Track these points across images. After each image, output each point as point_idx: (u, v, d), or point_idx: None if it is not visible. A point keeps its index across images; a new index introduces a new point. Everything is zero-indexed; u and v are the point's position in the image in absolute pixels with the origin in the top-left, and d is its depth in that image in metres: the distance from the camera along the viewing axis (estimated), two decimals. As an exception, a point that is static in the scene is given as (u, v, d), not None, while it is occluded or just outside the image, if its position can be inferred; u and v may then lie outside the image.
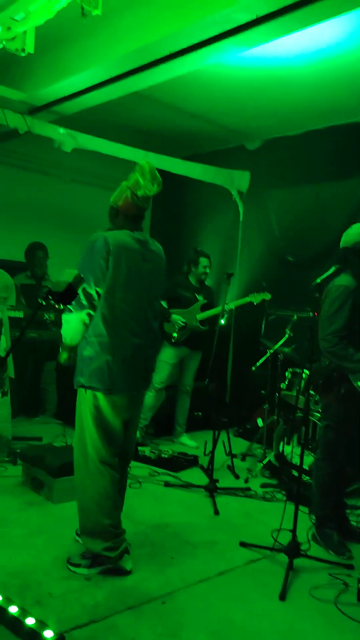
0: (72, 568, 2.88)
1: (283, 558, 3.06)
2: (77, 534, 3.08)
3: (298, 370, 4.60)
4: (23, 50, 3.57)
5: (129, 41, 3.79)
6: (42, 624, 2.31)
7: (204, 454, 4.96)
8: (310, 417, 4.24)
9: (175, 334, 5.26)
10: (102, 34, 3.98)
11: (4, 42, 3.56)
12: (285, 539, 3.13)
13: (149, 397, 5.36)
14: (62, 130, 5.26)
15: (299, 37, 3.94)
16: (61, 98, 4.73)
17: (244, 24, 3.36)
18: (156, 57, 3.84)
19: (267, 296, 5.13)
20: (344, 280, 3.25)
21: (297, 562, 3.05)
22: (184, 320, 5.11)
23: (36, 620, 2.33)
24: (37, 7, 3.26)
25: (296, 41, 4.05)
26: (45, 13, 3.23)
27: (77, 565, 2.89)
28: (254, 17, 3.28)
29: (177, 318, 5.08)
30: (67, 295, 1.93)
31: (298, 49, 4.22)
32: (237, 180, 6.61)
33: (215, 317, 5.08)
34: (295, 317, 4.94)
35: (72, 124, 5.39)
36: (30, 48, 3.58)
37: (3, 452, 4.53)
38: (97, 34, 4.01)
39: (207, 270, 5.42)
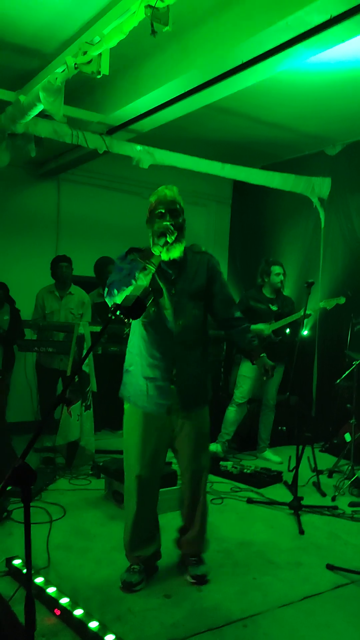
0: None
1: (374, 584, 2.88)
2: None
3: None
4: (99, 72, 3.66)
5: (200, 55, 3.79)
6: (121, 642, 2.30)
7: (288, 470, 4.81)
8: None
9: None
10: (173, 50, 4.01)
11: (81, 67, 3.67)
12: (376, 563, 2.95)
13: (231, 412, 5.29)
14: (139, 147, 5.35)
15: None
16: (137, 116, 4.81)
17: (318, 26, 3.27)
18: (228, 67, 3.81)
19: (342, 300, 4.92)
20: None
21: (390, 589, 2.85)
22: (267, 331, 5.02)
23: (116, 637, 2.32)
24: (111, 29, 3.35)
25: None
26: (118, 34, 3.30)
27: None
28: (328, 17, 3.18)
29: (261, 327, 5.00)
30: (136, 309, 1.92)
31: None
32: (317, 187, 6.43)
33: (296, 329, 4.93)
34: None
35: (149, 140, 5.48)
36: (105, 70, 3.66)
37: (87, 466, 4.62)
38: (168, 51, 4.05)
39: (281, 277, 5.28)
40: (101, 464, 4.34)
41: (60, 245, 6.59)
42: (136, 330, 2.84)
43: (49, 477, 4.39)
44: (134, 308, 1.91)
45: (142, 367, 2.82)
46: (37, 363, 5.35)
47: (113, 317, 1.90)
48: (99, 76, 3.67)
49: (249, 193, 7.18)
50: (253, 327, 5.02)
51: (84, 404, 4.65)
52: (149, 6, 2.96)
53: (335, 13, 3.14)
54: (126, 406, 2.93)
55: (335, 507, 4.06)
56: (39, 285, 5.63)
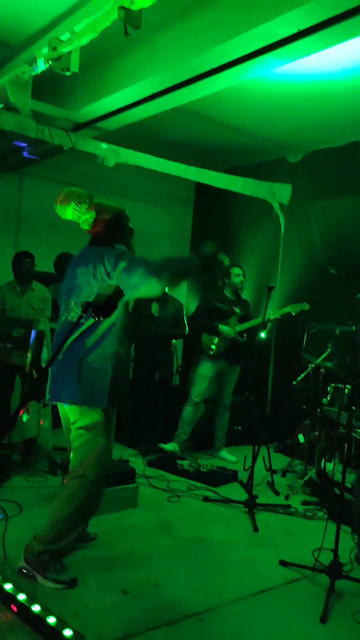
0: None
1: (324, 579, 2.98)
2: None
3: (340, 385, 4.50)
4: (68, 69, 3.66)
5: (168, 58, 3.83)
6: (79, 637, 2.31)
7: (244, 469, 4.91)
8: (353, 433, 4.13)
9: (213, 347, 5.24)
10: (142, 52, 4.04)
11: (50, 62, 3.66)
12: (326, 559, 3.05)
13: (187, 411, 5.35)
14: (104, 145, 5.35)
15: (341, 51, 3.92)
16: (104, 115, 4.81)
17: (286, 38, 3.36)
18: (196, 73, 3.87)
19: (306, 307, 5.06)
20: None
21: (339, 583, 2.95)
22: (234, 333, 5.12)
23: (74, 632, 2.34)
24: (82, 28, 3.35)
25: (338, 54, 4.03)
26: (90, 32, 3.30)
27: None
28: (295, 30, 3.28)
29: (228, 330, 5.09)
30: (107, 308, 1.94)
31: (340, 61, 4.21)
32: (278, 193, 6.57)
33: (254, 330, 5.04)
34: (338, 330, 4.85)
35: (115, 139, 5.48)
36: (75, 67, 3.66)
37: (44, 463, 4.59)
38: (137, 52, 4.07)
39: (241, 278, 5.39)
40: (58, 461, 4.33)
41: (20, 240, 6.51)
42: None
43: (5, 474, 4.34)
44: (105, 306, 1.94)
45: None
46: None
47: (84, 316, 1.92)
48: (68, 73, 3.66)
49: (212, 195, 7.26)
50: (221, 327, 5.14)
51: (42, 401, 4.61)
52: (123, 7, 2.98)
53: (302, 27, 3.23)
54: None
55: (289, 506, 4.17)
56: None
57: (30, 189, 6.64)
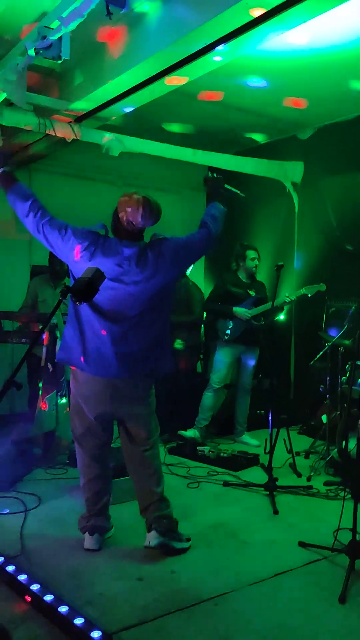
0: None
1: (344, 559, 2.90)
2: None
3: (358, 362, 4.39)
4: (59, 57, 3.63)
5: (163, 37, 3.74)
6: (90, 625, 2.31)
7: (265, 453, 4.84)
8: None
9: (228, 331, 5.17)
10: (135, 35, 3.97)
11: (40, 51, 3.63)
12: (348, 539, 2.97)
13: (207, 397, 5.31)
14: (108, 134, 5.31)
15: (343, 21, 3.79)
16: (104, 103, 4.76)
17: (279, 5, 3.24)
18: (192, 50, 3.77)
19: (322, 287, 4.95)
20: None
21: (359, 563, 2.88)
22: (249, 313, 5.05)
23: (85, 620, 2.33)
24: (68, 12, 3.31)
25: (341, 24, 3.90)
26: (77, 17, 3.26)
27: None
28: (286, -3, 3.16)
29: (243, 310, 5.03)
30: (87, 292, 1.91)
31: (345, 32, 4.06)
32: (290, 172, 6.44)
33: (271, 313, 4.96)
34: (354, 307, 4.73)
35: (119, 128, 5.43)
36: (65, 54, 3.63)
37: (64, 455, 4.62)
38: (130, 35, 4.01)
39: (256, 262, 5.30)
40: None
41: (32, 237, 6.52)
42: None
43: (25, 467, 4.38)
44: (86, 290, 1.90)
45: None
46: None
47: (64, 300, 1.89)
48: (59, 61, 3.63)
49: (224, 179, 7.14)
50: (235, 309, 5.08)
51: (59, 394, 4.64)
52: (105, -13, 2.93)
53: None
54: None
55: (310, 487, 4.10)
56: (15, 277, 5.57)
57: (40, 184, 6.65)
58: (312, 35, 4.10)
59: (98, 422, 3.04)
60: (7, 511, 3.58)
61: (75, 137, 5.15)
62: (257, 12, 3.32)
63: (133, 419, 3.05)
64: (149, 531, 3.07)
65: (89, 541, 3.11)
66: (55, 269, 5.30)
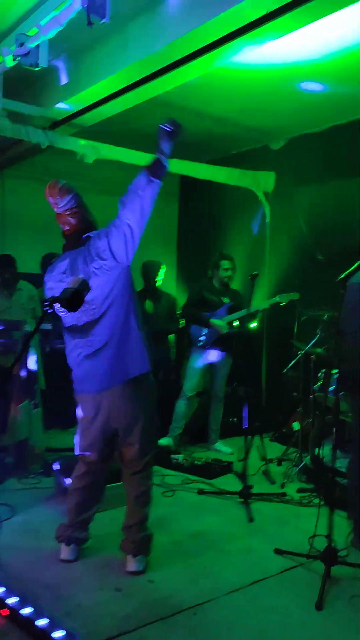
0: None
1: (320, 566, 2.94)
2: None
3: (332, 370, 4.47)
4: (37, 64, 3.61)
5: (139, 48, 3.79)
6: (71, 637, 2.29)
7: (239, 460, 4.87)
8: (345, 417, 4.11)
9: (202, 338, 5.21)
10: (113, 44, 4.00)
11: (18, 59, 3.61)
12: (323, 545, 3.02)
13: (181, 406, 5.32)
14: (82, 142, 5.30)
15: (316, 33, 3.88)
16: (79, 110, 4.77)
17: (255, 21, 3.31)
18: (169, 62, 3.82)
19: (295, 296, 5.03)
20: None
21: (335, 569, 2.92)
22: (225, 327, 5.09)
23: (66, 632, 2.31)
24: (47, 20, 3.30)
25: (314, 37, 3.99)
26: (55, 25, 3.25)
27: None
28: (264, 12, 3.23)
29: (220, 323, 5.07)
30: (74, 301, 1.91)
31: (317, 45, 4.15)
32: (262, 181, 6.54)
33: (244, 321, 5.01)
34: (326, 316, 4.82)
35: (94, 135, 5.42)
36: (43, 62, 3.61)
37: (37, 464, 4.56)
38: (108, 44, 4.04)
39: (229, 273, 5.35)
40: (50, 462, 4.29)
41: (6, 241, 6.46)
42: None
43: (-2, 477, 4.31)
44: (72, 300, 1.90)
45: None
46: None
47: (50, 310, 1.89)
48: (37, 68, 3.62)
49: (196, 187, 7.22)
50: (213, 320, 5.11)
51: (32, 402, 4.58)
52: (86, -3, 2.94)
53: (270, 9, 3.19)
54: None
55: (284, 494, 4.15)
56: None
57: (14, 190, 6.59)
58: (282, 47, 4.17)
59: (101, 438, 2.98)
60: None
61: (49, 144, 5.13)
62: (233, 26, 3.40)
63: (126, 434, 2.96)
64: (133, 555, 2.97)
65: (65, 551, 3.08)
66: (4, 277, 5.19)
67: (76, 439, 3.09)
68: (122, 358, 2.88)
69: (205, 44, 3.60)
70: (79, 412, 3.05)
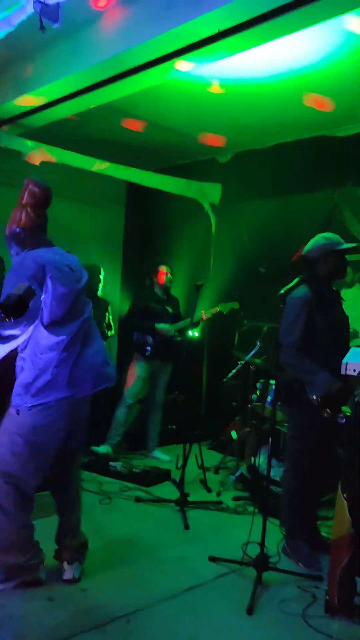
0: None
1: (252, 572, 3.02)
2: None
3: (268, 381, 4.59)
4: (-16, 63, 3.56)
5: (92, 54, 3.80)
6: (0, 648, 2.25)
7: (176, 468, 4.91)
8: (280, 427, 4.23)
9: (149, 347, 5.22)
10: (64, 47, 3.99)
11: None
12: (256, 552, 3.09)
13: (121, 413, 5.31)
14: (29, 143, 5.23)
15: (267, 53, 4.00)
16: (28, 111, 4.71)
17: (206, 38, 3.39)
18: (120, 70, 3.85)
19: (236, 305, 5.14)
20: (300, 291, 3.29)
21: (267, 575, 3.01)
22: (171, 331, 5.13)
23: (-5, 643, 2.27)
24: (-2, 21, 3.26)
25: (265, 56, 4.11)
26: (6, 27, 3.22)
27: None
28: (215, 31, 3.31)
29: (166, 327, 5.09)
30: (18, 308, 1.89)
31: (267, 64, 4.28)
32: (208, 193, 6.64)
33: (185, 329, 5.08)
34: (266, 328, 4.95)
35: (44, 136, 5.36)
36: (-8, 61, 3.57)
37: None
38: (60, 47, 4.02)
39: (169, 278, 5.40)
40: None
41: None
42: None
43: None
44: (16, 307, 1.88)
45: None
46: None
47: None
48: (-15, 67, 3.56)
49: (144, 195, 7.25)
50: (158, 325, 5.14)
51: None
52: (39, 2, 2.93)
53: (222, 28, 3.27)
54: None
55: (220, 502, 4.21)
56: None
57: None
58: (232, 64, 4.25)
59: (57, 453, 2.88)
60: None
61: (-5, 143, 5.04)
62: (184, 42, 3.47)
63: (75, 438, 2.95)
64: (69, 562, 2.92)
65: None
66: None
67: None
68: None
69: (157, 57, 3.65)
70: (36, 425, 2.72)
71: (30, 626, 2.51)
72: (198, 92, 4.88)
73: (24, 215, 2.77)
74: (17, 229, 2.76)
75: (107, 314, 5.93)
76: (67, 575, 2.92)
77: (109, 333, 5.98)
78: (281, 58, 4.17)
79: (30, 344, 2.70)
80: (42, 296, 2.62)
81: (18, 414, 2.69)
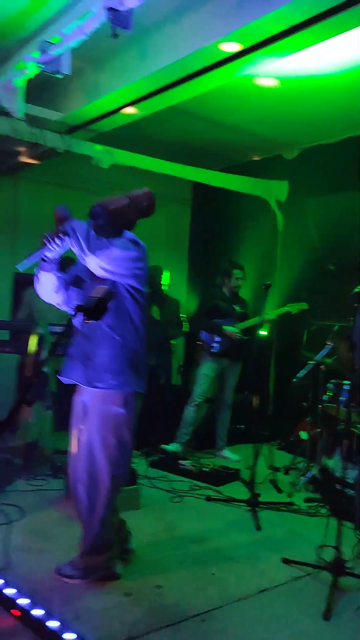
0: (64, 579, 2.88)
1: (327, 576, 2.96)
2: None
3: (341, 381, 4.48)
4: (59, 72, 3.66)
5: (160, 58, 3.82)
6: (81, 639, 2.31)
7: (246, 468, 4.89)
8: (354, 429, 4.12)
9: (215, 345, 5.24)
10: (133, 52, 4.04)
11: (41, 66, 3.66)
12: (330, 555, 3.03)
13: (189, 412, 5.34)
14: (99, 147, 5.35)
15: (335, 46, 3.91)
16: (97, 116, 4.81)
17: (276, 34, 3.35)
18: (188, 72, 3.86)
19: (305, 306, 5.06)
20: None
21: (342, 580, 2.94)
22: (239, 333, 5.12)
23: (76, 635, 2.33)
24: (71, 30, 3.34)
25: (333, 49, 4.01)
26: (79, 35, 3.30)
27: (70, 577, 2.88)
28: (285, 27, 3.27)
29: (234, 330, 5.10)
30: (98, 310, 1.94)
31: (335, 57, 4.19)
32: (275, 191, 6.57)
33: (253, 329, 5.04)
34: (337, 327, 4.83)
35: (110, 140, 5.47)
36: (66, 70, 3.66)
37: (45, 466, 4.59)
38: (129, 52, 4.08)
39: (240, 282, 5.39)
40: (59, 464, 4.33)
41: (17, 245, 6.51)
42: None
43: (7, 478, 4.34)
44: (96, 309, 1.93)
45: None
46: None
47: (74, 318, 1.91)
48: (59, 76, 3.66)
49: (209, 195, 7.26)
50: (225, 328, 5.15)
51: (43, 404, 4.62)
52: (111, 9, 2.98)
53: (292, 23, 3.22)
54: None
55: (292, 503, 4.16)
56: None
57: (26, 193, 6.64)
58: (299, 59, 4.19)
59: None
60: None
61: (65, 148, 5.18)
62: (254, 40, 3.44)
63: None
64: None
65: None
66: None
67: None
68: None
69: (224, 57, 3.64)
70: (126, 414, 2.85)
71: (108, 620, 2.57)
72: (264, 89, 4.83)
73: (133, 215, 2.88)
74: (119, 220, 2.85)
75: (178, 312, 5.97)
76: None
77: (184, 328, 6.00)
78: (348, 50, 4.06)
79: None
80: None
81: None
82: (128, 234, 2.91)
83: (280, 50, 3.56)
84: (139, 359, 2.85)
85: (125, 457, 2.89)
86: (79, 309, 1.93)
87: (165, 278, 5.88)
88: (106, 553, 2.88)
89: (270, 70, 4.36)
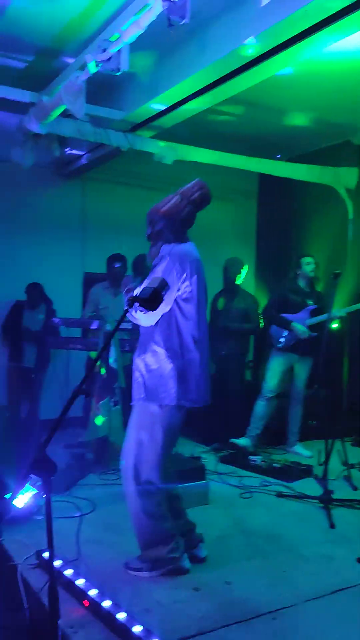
0: (133, 573, 2.91)
1: None
2: None
3: None
4: (118, 69, 3.69)
5: (219, 48, 3.76)
6: (149, 633, 2.31)
7: (318, 464, 4.75)
8: None
9: (282, 339, 5.12)
10: (191, 45, 4.01)
11: (100, 64, 3.70)
12: None
13: (260, 406, 5.26)
14: (162, 143, 5.36)
15: None
16: (159, 112, 4.82)
17: (337, 12, 3.21)
18: (247, 59, 3.78)
19: None
20: None
21: None
22: (307, 332, 4.99)
23: (144, 628, 2.34)
24: (128, 25, 3.35)
25: None
26: (136, 29, 3.31)
27: (139, 569, 2.91)
28: (347, 3, 3.13)
29: (303, 328, 4.97)
30: (153, 301, 1.92)
31: None
32: (344, 178, 6.35)
33: (324, 323, 4.88)
34: None
35: (172, 136, 5.47)
36: (125, 66, 3.68)
37: (116, 460, 4.65)
38: (187, 45, 4.05)
39: (313, 267, 5.22)
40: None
41: (86, 244, 6.66)
42: None
43: (79, 472, 4.44)
44: (151, 299, 1.92)
45: None
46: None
47: (130, 310, 1.91)
48: (118, 73, 3.69)
49: (275, 186, 7.11)
50: (294, 324, 5.02)
51: (112, 400, 4.69)
52: (167, 0, 2.96)
53: (354, -1, 3.08)
54: None
55: (367, 501, 4.00)
56: (67, 285, 5.66)
57: (93, 194, 6.77)
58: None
59: None
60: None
61: (129, 147, 5.22)
62: (315, 19, 3.31)
63: None
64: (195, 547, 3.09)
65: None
66: (114, 272, 5.39)
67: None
68: None
69: (286, 39, 3.53)
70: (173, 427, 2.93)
71: (177, 614, 2.55)
72: (326, 73, 4.66)
73: (187, 210, 2.81)
74: (175, 220, 2.79)
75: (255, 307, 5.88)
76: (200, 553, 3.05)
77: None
78: None
79: None
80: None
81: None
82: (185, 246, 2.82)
83: (344, 29, 3.41)
84: (186, 372, 2.82)
85: (158, 458, 2.92)
86: (134, 300, 1.93)
87: (243, 271, 5.79)
88: (166, 545, 2.87)
89: (332, 51, 4.19)
